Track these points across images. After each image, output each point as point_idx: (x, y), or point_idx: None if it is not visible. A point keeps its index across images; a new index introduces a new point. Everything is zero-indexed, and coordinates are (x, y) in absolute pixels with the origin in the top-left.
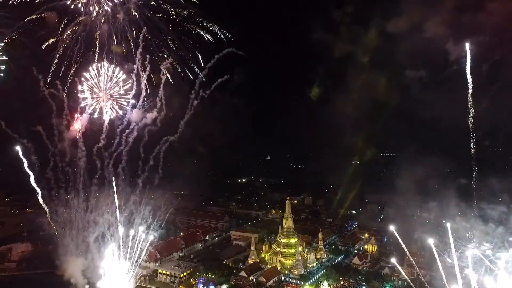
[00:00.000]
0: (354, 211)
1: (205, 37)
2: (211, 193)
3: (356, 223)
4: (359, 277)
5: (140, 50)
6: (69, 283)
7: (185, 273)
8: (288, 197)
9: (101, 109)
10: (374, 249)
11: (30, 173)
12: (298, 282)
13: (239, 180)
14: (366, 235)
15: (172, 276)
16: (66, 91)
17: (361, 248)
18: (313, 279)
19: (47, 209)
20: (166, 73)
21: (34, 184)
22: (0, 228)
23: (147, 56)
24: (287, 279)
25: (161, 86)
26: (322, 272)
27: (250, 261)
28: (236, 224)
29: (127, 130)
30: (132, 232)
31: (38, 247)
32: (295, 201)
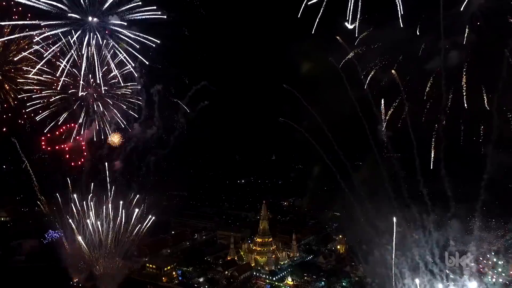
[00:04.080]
0: (338, 213)
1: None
2: (208, 194)
3: (336, 224)
4: (321, 273)
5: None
6: (69, 273)
7: (168, 267)
8: (264, 201)
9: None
10: (343, 249)
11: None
12: (267, 276)
13: (238, 181)
14: (340, 236)
15: (157, 269)
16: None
17: (333, 248)
18: (280, 275)
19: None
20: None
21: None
22: (11, 226)
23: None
24: (257, 274)
25: (156, 106)
26: (290, 269)
27: (228, 258)
28: (225, 224)
29: (126, 144)
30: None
31: (43, 242)
32: (285, 203)
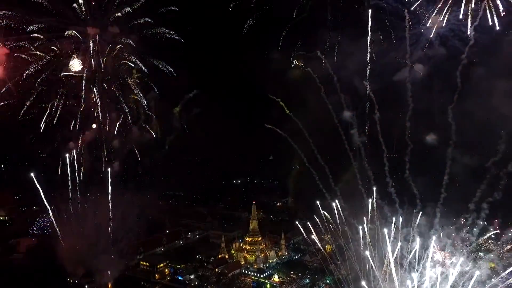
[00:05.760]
0: (330, 214)
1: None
2: (203, 194)
3: (326, 225)
4: (307, 271)
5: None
6: (67, 271)
7: (161, 264)
8: (254, 202)
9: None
10: (330, 248)
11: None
12: (255, 274)
13: (234, 181)
14: (329, 236)
15: (151, 266)
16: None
17: (320, 248)
18: (268, 273)
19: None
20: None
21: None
22: (9, 225)
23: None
24: (246, 271)
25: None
26: (278, 267)
27: (219, 256)
28: (218, 224)
29: (127, 146)
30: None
31: (41, 241)
32: (278, 203)
